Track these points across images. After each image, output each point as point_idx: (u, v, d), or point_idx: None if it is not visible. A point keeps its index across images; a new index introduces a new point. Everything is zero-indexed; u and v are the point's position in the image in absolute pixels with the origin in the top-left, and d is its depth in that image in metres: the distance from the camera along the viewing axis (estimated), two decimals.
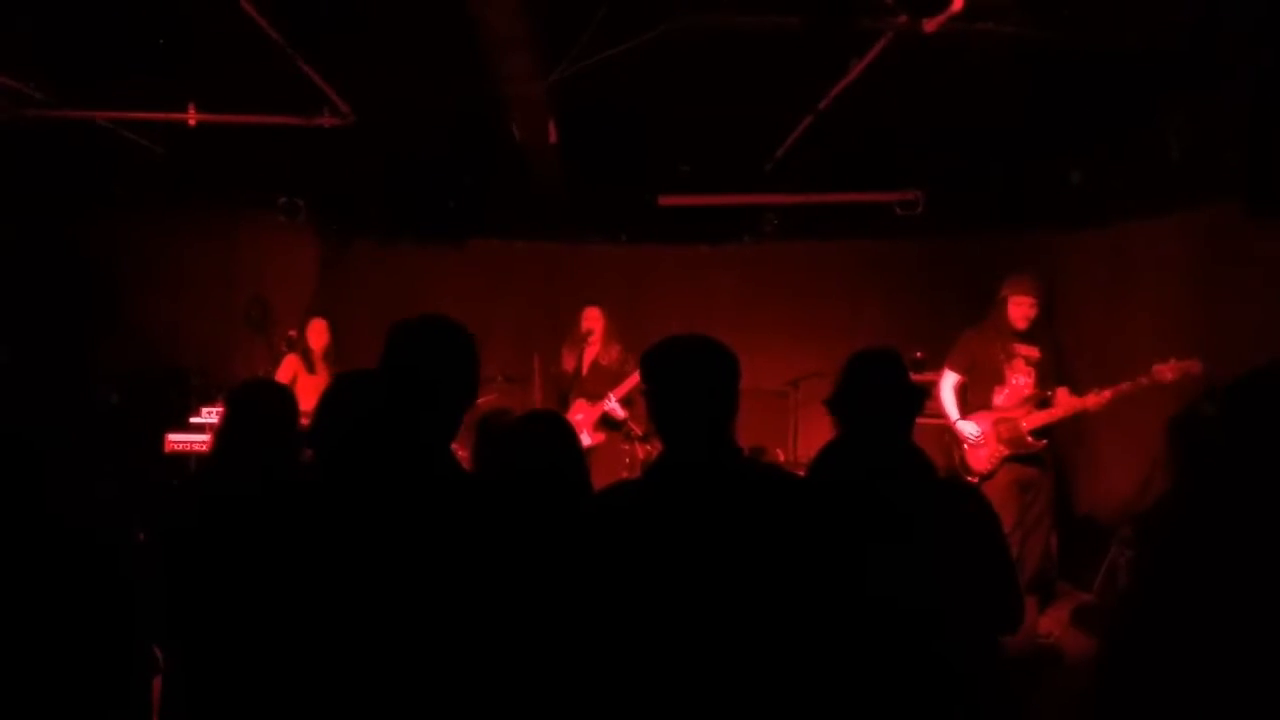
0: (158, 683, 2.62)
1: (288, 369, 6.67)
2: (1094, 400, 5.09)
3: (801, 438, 7.39)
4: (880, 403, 2.48)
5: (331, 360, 6.75)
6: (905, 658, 2.25)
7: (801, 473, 2.60)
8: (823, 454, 2.54)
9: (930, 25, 4.08)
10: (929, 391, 5.27)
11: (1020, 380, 5.32)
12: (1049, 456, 5.40)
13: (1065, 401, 5.21)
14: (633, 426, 6.43)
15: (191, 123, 5.79)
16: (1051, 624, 5.38)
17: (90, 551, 2.28)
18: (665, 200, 7.38)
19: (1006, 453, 5.28)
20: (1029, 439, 5.25)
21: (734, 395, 2.19)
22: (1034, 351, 5.34)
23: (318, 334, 6.76)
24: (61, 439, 2.83)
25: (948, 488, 2.53)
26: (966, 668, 2.31)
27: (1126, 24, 4.39)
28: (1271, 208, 4.80)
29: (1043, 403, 5.27)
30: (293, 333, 6.86)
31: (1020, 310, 5.29)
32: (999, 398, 5.35)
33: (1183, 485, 2.32)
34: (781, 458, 7.39)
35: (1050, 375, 5.33)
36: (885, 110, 5.56)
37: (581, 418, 6.37)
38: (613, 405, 6.32)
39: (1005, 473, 5.29)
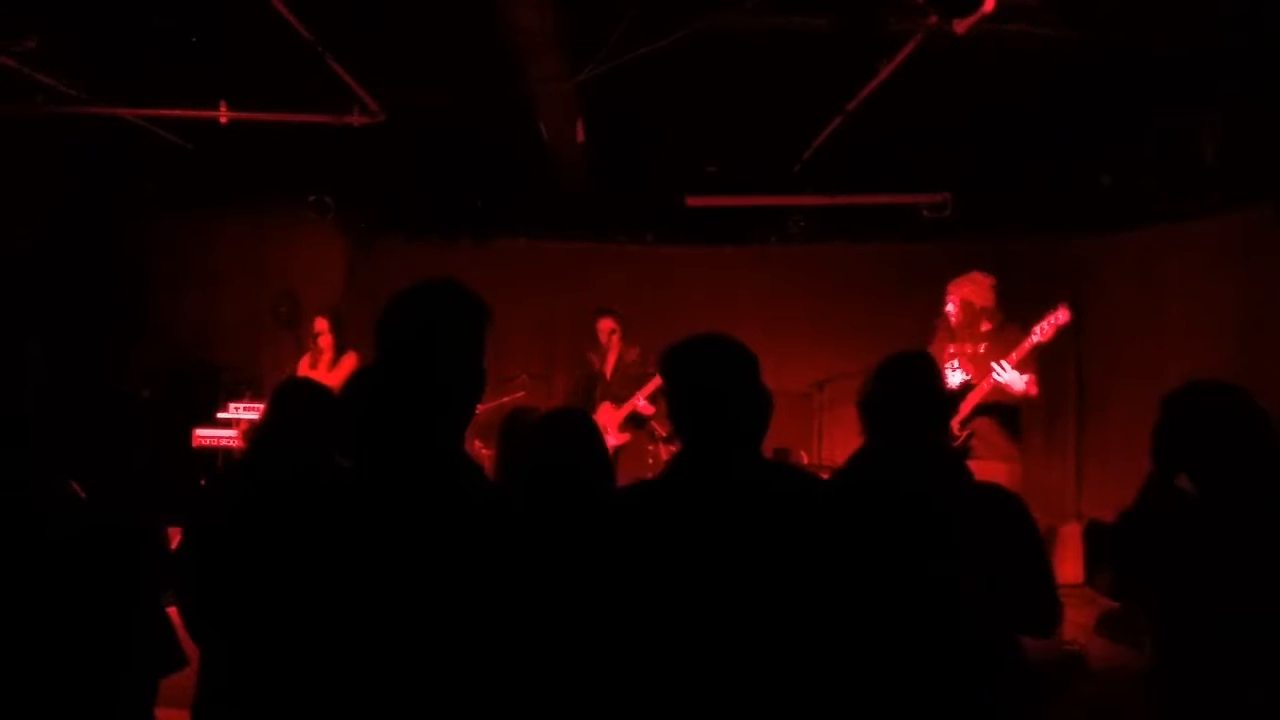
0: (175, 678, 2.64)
1: (302, 367, 6.79)
2: (990, 381, 5.01)
3: (826, 440, 7.35)
4: (913, 407, 2.46)
5: (336, 355, 6.78)
6: (929, 661, 2.23)
7: (825, 475, 2.57)
8: (854, 459, 2.52)
9: (961, 26, 4.04)
10: (964, 395, 5.24)
11: (957, 377, 5.26)
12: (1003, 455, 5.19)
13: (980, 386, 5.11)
14: (656, 427, 6.46)
15: (223, 120, 5.84)
16: (1076, 631, 5.33)
17: (96, 542, 2.29)
18: (693, 201, 7.36)
19: None
20: (955, 428, 5.19)
21: (752, 394, 2.14)
22: (976, 347, 5.26)
23: (321, 331, 6.83)
24: (90, 432, 2.86)
25: (981, 492, 2.50)
26: (993, 673, 2.29)
27: (1160, 26, 4.34)
28: None
29: (965, 390, 5.20)
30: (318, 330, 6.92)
31: (951, 310, 5.27)
32: None
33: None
34: (806, 460, 7.36)
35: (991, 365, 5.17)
36: (914, 111, 5.53)
37: (607, 421, 6.41)
38: (643, 403, 6.39)
39: None
